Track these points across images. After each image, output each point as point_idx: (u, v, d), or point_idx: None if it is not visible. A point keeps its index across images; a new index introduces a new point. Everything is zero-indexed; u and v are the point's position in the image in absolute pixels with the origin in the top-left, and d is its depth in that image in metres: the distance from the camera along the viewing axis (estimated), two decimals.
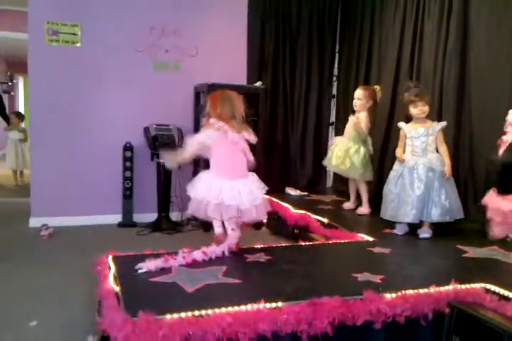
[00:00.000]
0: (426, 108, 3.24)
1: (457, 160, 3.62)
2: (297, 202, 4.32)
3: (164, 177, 4.43)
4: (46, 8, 4.27)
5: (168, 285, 2.10)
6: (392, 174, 3.37)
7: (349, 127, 4.06)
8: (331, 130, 5.42)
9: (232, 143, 2.73)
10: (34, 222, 4.31)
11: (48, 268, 3.21)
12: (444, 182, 3.20)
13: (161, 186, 4.43)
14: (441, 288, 2.09)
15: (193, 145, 2.75)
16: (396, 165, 3.38)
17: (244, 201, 2.64)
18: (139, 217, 4.53)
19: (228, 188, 2.64)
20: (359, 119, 3.91)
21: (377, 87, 4.05)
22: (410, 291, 2.05)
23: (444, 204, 3.16)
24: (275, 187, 4.98)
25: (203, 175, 2.78)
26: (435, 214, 3.16)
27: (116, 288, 2.02)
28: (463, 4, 3.68)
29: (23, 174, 7.11)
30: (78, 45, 4.36)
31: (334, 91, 5.38)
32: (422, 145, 3.26)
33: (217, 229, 2.83)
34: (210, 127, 2.72)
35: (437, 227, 3.24)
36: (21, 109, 12.37)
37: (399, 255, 2.78)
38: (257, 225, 4.52)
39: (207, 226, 4.36)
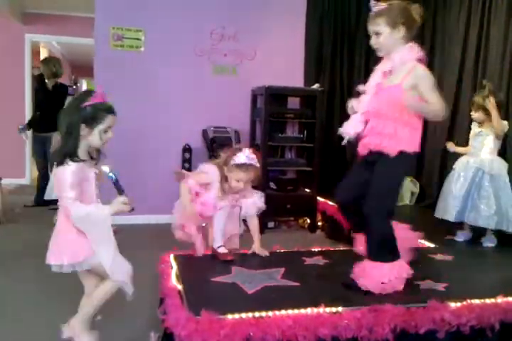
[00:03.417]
0: (477, 115, 3.28)
1: None
2: None
3: None
4: (111, 14, 4.45)
5: (228, 285, 2.13)
6: (451, 173, 3.39)
7: None
8: None
9: None
10: None
11: None
12: (498, 187, 3.11)
13: None
14: (509, 298, 2.02)
15: None
16: (455, 165, 3.37)
17: None
18: None
19: None
20: None
21: None
22: (476, 301, 1.98)
23: (483, 209, 3.09)
24: (331, 190, 4.97)
25: None
26: (473, 218, 3.13)
27: (179, 287, 2.08)
28: None
29: None
30: (142, 49, 4.52)
31: None
32: (478, 145, 3.28)
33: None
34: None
35: (504, 236, 3.13)
36: None
37: (462, 263, 2.69)
38: (312, 228, 4.51)
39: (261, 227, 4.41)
